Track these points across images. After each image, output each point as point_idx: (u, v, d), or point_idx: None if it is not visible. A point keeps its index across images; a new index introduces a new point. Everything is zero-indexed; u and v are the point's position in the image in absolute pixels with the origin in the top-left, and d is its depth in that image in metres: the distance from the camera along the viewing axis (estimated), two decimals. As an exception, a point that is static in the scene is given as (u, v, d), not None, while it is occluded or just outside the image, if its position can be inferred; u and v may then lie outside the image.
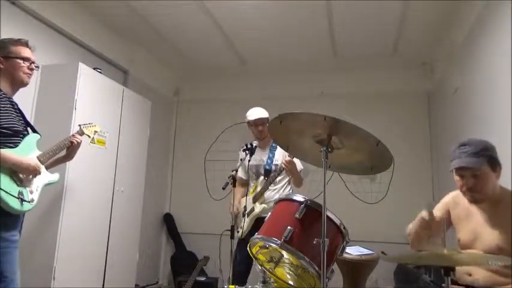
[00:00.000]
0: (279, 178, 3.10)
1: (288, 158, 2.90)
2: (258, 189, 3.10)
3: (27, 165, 2.11)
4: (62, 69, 3.40)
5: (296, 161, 2.99)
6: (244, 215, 3.13)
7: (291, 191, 3.19)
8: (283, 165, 2.92)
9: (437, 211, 2.06)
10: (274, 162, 3.16)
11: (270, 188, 3.09)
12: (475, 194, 1.82)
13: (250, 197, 3.14)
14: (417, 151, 4.70)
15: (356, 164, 1.93)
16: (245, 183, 3.30)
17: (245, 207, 3.13)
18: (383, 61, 4.78)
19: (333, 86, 5.05)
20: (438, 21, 3.81)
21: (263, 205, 3.05)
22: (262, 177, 3.14)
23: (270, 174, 3.13)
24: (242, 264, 2.91)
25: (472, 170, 1.78)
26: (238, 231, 3.14)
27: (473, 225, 1.89)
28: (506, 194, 1.85)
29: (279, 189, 3.14)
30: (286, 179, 3.17)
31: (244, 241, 3.01)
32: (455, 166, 1.81)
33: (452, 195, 2.07)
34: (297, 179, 3.06)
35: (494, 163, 1.81)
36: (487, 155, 1.78)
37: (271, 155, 3.19)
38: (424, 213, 1.93)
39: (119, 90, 3.86)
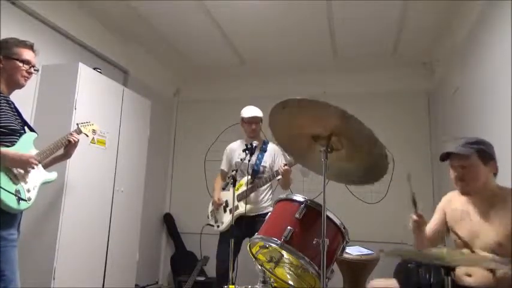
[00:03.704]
0: (262, 179, 3.20)
1: (286, 167, 3.01)
2: (244, 188, 3.14)
3: (23, 159, 2.09)
4: (62, 69, 3.40)
5: (283, 156, 3.18)
6: (225, 210, 3.22)
7: (272, 193, 3.31)
8: (281, 172, 3.03)
9: (434, 219, 2.11)
10: (262, 164, 3.24)
11: (256, 190, 3.19)
12: (464, 183, 1.86)
13: (235, 193, 3.17)
14: (417, 151, 4.69)
15: (351, 172, 1.91)
16: (225, 176, 3.41)
17: (227, 201, 3.18)
18: (383, 61, 4.78)
19: (333, 86, 5.05)
20: (438, 21, 3.81)
21: (249, 205, 3.11)
22: (249, 177, 3.19)
23: (257, 174, 3.23)
24: (225, 262, 2.90)
25: (460, 158, 1.83)
26: (218, 226, 3.22)
27: (470, 225, 1.89)
28: (502, 192, 1.86)
29: (262, 191, 3.24)
30: (269, 182, 3.28)
31: (225, 236, 3.09)
32: (445, 151, 1.87)
33: (446, 197, 2.10)
34: (288, 183, 3.17)
35: (485, 156, 1.84)
36: (478, 148, 1.83)
37: (260, 156, 3.26)
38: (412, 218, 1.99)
39: (119, 90, 3.86)
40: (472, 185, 1.85)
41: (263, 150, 3.29)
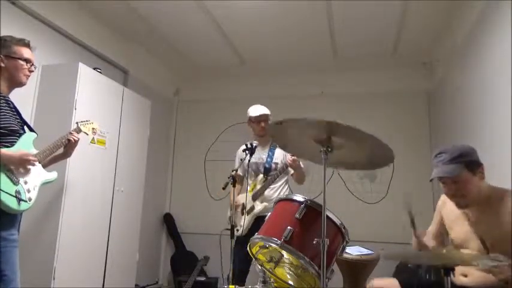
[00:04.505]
0: (273, 174, 3.12)
1: (293, 157, 2.90)
2: (258, 187, 3.11)
3: (21, 157, 2.09)
4: (62, 69, 3.40)
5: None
6: (243, 213, 3.15)
7: (288, 190, 3.21)
8: (289, 163, 2.93)
9: (434, 221, 2.12)
10: (274, 161, 3.18)
11: (269, 186, 3.11)
12: (459, 199, 1.84)
13: (249, 194, 3.14)
14: (417, 151, 4.69)
15: (356, 160, 1.91)
16: (242, 180, 3.31)
17: (244, 204, 3.15)
18: (383, 61, 4.78)
19: (333, 86, 5.05)
20: (438, 21, 3.81)
21: (264, 203, 3.06)
22: (261, 176, 3.15)
23: (269, 172, 3.16)
24: (242, 263, 2.90)
25: (451, 178, 1.81)
26: (237, 230, 3.16)
27: (465, 226, 1.89)
28: (494, 192, 1.84)
29: (277, 188, 3.16)
30: (285, 178, 3.20)
31: (244, 239, 3.03)
32: (432, 176, 1.84)
33: (442, 198, 2.09)
34: (300, 176, 3.07)
35: (473, 166, 1.80)
36: (464, 161, 1.78)
37: (270, 154, 3.20)
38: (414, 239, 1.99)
39: (119, 90, 3.86)
40: (467, 199, 1.82)
41: (273, 147, 3.23)
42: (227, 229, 3.22)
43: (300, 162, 3.04)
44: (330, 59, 4.79)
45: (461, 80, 3.70)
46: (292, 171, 3.08)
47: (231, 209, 3.29)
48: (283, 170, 3.08)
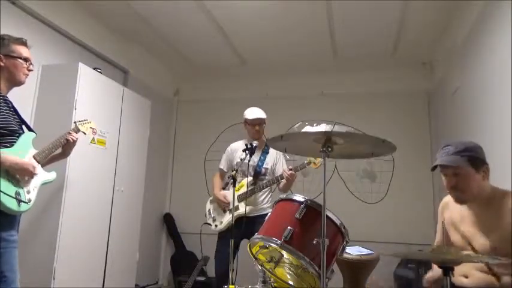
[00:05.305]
0: (264, 182, 3.19)
1: (291, 172, 3.02)
2: (245, 188, 3.13)
3: (23, 168, 2.09)
4: (62, 69, 3.40)
5: (285, 166, 3.21)
6: (225, 210, 3.23)
7: (271, 196, 3.28)
8: (286, 177, 3.03)
9: (438, 229, 2.11)
10: (264, 166, 3.24)
11: (258, 192, 3.19)
12: (458, 192, 1.83)
13: (235, 193, 3.16)
14: (417, 151, 4.69)
15: (357, 152, 1.94)
16: (224, 175, 3.42)
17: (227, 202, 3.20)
18: (383, 61, 4.78)
19: (333, 86, 5.05)
20: (438, 21, 3.81)
21: (250, 206, 3.11)
22: (250, 178, 3.19)
23: (259, 175, 3.23)
24: (224, 262, 2.89)
25: (452, 169, 1.80)
26: (216, 225, 3.20)
27: (466, 228, 1.88)
28: (496, 194, 1.83)
29: (262, 192, 3.23)
30: (272, 186, 3.27)
31: (224, 237, 3.08)
32: (434, 164, 1.84)
33: (443, 201, 2.09)
34: (289, 187, 3.18)
35: (476, 163, 1.79)
36: (468, 155, 1.78)
37: (262, 158, 3.26)
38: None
39: (119, 90, 3.86)
40: (466, 194, 1.81)
41: (265, 152, 3.28)
42: (206, 223, 3.28)
43: (285, 166, 3.21)
44: (330, 59, 4.79)
45: (461, 80, 3.70)
46: (282, 180, 3.15)
47: (211, 202, 3.33)
48: (277, 180, 3.16)
